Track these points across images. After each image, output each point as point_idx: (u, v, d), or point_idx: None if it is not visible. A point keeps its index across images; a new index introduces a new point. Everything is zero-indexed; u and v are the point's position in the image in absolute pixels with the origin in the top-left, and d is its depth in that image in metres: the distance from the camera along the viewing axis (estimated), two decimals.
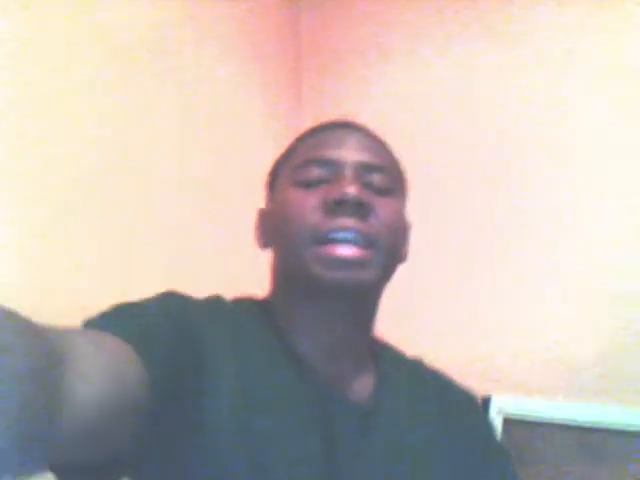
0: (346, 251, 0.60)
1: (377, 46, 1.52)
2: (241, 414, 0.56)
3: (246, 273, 1.06)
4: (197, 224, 1.27)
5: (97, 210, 1.02)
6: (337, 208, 0.61)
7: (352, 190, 0.60)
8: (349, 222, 0.60)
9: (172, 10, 1.24)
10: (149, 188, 1.16)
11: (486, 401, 1.20)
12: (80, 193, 0.99)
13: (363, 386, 0.66)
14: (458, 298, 1.39)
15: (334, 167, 0.64)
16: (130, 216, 1.10)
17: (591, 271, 1.24)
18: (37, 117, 0.92)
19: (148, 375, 0.46)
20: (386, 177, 0.66)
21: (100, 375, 0.39)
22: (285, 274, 0.68)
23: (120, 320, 0.50)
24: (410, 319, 1.33)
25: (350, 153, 0.65)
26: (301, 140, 0.70)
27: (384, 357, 0.72)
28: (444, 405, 0.71)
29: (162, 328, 0.53)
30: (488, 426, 0.77)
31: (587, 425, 1.16)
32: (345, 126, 0.69)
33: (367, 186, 0.64)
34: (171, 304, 0.59)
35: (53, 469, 0.42)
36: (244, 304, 0.69)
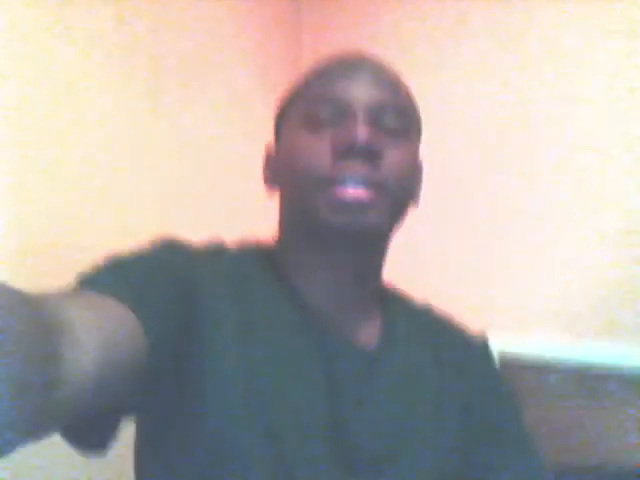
0: (353, 195, 0.57)
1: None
2: (245, 362, 0.55)
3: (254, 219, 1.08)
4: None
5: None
6: (346, 154, 0.58)
7: (362, 135, 0.57)
8: (358, 168, 0.58)
9: None
10: (150, 141, 1.17)
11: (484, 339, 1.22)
12: None
13: (370, 332, 0.65)
14: (458, 237, 1.39)
15: (344, 106, 0.60)
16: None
17: (590, 209, 1.24)
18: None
19: (146, 337, 0.45)
20: (399, 117, 0.62)
21: (96, 343, 0.38)
22: (291, 218, 0.66)
23: (114, 279, 0.48)
24: (410, 259, 1.33)
25: (361, 91, 0.61)
26: (309, 76, 0.66)
27: (392, 304, 0.71)
28: (452, 353, 0.70)
29: (158, 284, 0.51)
30: (496, 372, 0.75)
31: (584, 364, 1.17)
32: (357, 61, 0.64)
33: (379, 127, 0.60)
34: (168, 255, 0.57)
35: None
36: (248, 249, 0.68)
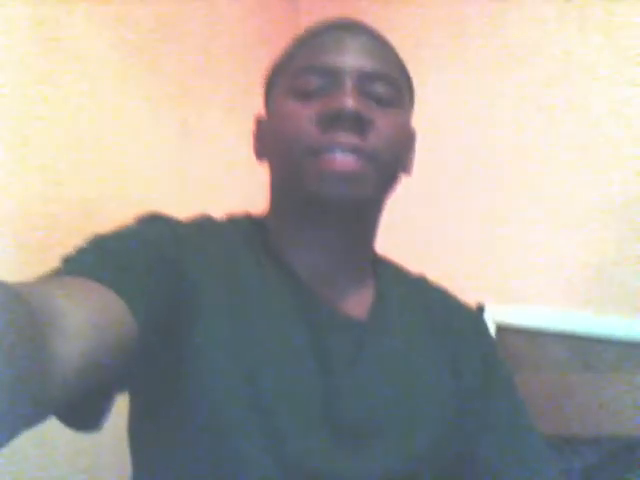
0: (341, 165, 0.56)
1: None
2: (235, 334, 0.55)
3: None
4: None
5: None
6: (334, 123, 0.57)
7: (350, 103, 0.56)
8: (346, 138, 0.57)
9: None
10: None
11: (480, 309, 1.22)
12: None
13: (362, 302, 0.65)
14: (454, 209, 1.38)
15: (333, 75, 0.59)
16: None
17: (587, 181, 1.23)
18: None
19: (135, 319, 0.45)
20: (390, 86, 0.61)
21: (84, 332, 0.38)
22: (280, 188, 0.65)
23: (99, 261, 0.48)
24: (406, 230, 1.33)
25: (351, 59, 0.59)
26: (298, 44, 0.64)
27: (385, 274, 0.70)
28: (446, 322, 0.70)
29: (143, 263, 0.51)
30: (491, 344, 0.75)
31: (581, 334, 1.16)
32: (347, 28, 0.63)
33: (368, 96, 0.59)
34: (152, 231, 0.57)
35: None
36: (237, 222, 0.67)
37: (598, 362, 1.14)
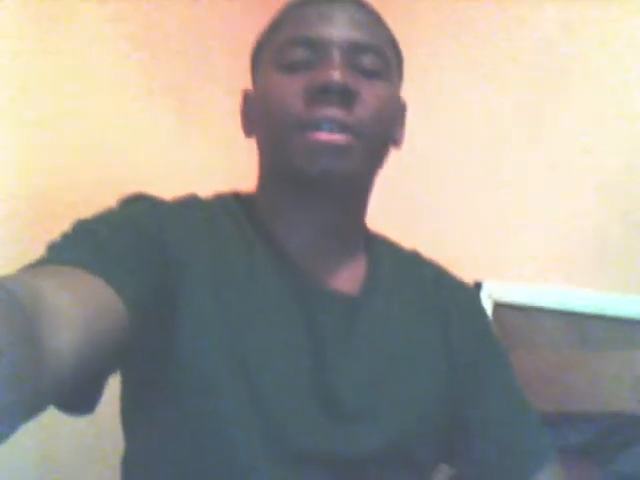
0: (328, 140, 0.55)
1: None
2: (223, 315, 0.55)
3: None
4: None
5: None
6: (320, 96, 0.56)
7: (337, 76, 0.55)
8: (332, 112, 0.56)
9: None
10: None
11: (477, 286, 1.22)
12: None
13: (353, 278, 0.65)
14: (450, 185, 1.37)
15: (319, 48, 0.58)
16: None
17: (585, 160, 1.22)
18: None
19: (125, 306, 0.45)
20: (378, 58, 0.59)
21: (74, 324, 0.38)
22: (268, 164, 0.64)
23: (87, 249, 0.48)
24: (402, 207, 1.32)
25: (338, 31, 0.58)
26: (284, 15, 0.63)
27: (378, 250, 0.70)
28: (439, 298, 0.69)
29: (129, 247, 0.50)
30: (485, 319, 0.74)
31: (577, 311, 1.16)
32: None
33: (355, 68, 0.58)
34: (138, 214, 0.56)
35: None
36: (224, 200, 0.66)
37: (594, 339, 1.14)
